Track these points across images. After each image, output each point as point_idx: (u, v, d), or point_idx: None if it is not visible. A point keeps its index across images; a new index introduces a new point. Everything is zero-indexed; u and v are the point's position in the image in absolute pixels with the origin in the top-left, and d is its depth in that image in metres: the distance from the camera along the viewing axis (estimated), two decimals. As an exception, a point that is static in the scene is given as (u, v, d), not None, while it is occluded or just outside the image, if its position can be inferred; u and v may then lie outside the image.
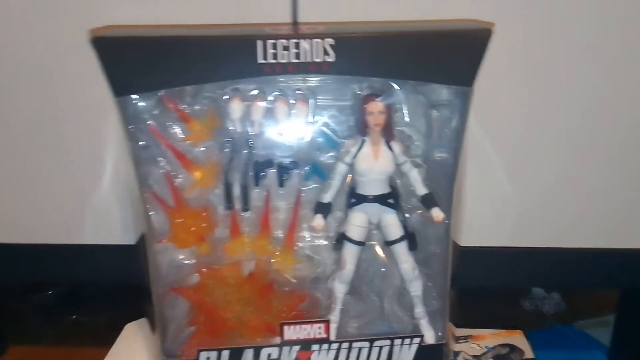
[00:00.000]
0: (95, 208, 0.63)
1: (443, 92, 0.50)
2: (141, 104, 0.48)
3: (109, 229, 0.63)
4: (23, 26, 0.56)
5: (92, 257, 0.65)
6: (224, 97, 0.48)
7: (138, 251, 0.53)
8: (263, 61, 0.44)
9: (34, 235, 0.65)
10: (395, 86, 0.49)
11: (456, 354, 0.63)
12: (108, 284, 0.81)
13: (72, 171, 0.61)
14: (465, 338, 0.66)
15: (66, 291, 0.88)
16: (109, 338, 0.65)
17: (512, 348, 0.64)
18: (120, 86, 0.45)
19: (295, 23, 0.54)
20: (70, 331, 0.82)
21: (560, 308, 0.85)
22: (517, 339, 0.66)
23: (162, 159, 0.49)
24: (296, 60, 0.44)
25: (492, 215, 0.62)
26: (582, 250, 0.63)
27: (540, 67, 0.56)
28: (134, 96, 0.47)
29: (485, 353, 0.63)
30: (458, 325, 0.67)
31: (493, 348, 0.64)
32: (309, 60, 0.44)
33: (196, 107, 0.49)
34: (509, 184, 0.60)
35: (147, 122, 0.48)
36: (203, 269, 0.52)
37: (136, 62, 0.45)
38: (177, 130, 0.49)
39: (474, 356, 0.63)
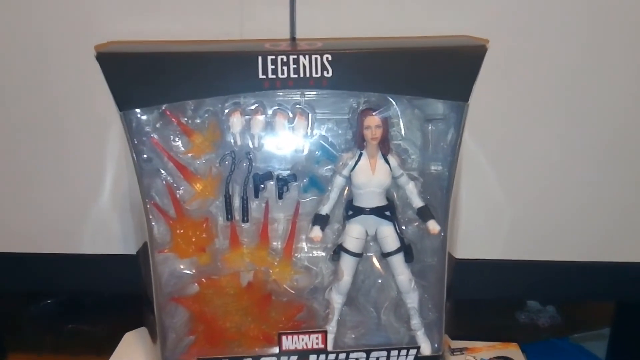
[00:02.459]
0: (94, 218, 0.63)
1: (439, 107, 0.52)
2: (144, 117, 0.49)
3: (108, 239, 0.64)
4: (28, 40, 0.57)
5: (90, 266, 0.66)
6: (225, 111, 0.49)
7: (139, 261, 0.54)
8: (263, 76, 0.45)
9: (34, 245, 0.65)
10: (392, 101, 0.50)
11: (452, 365, 0.63)
12: (107, 293, 0.81)
13: (72, 182, 0.62)
14: (461, 350, 0.66)
15: (65, 300, 0.88)
16: (107, 347, 0.65)
17: (508, 360, 0.64)
18: (125, 100, 0.46)
19: (293, 39, 0.56)
20: (69, 340, 0.82)
21: (555, 321, 0.86)
22: (513, 351, 0.66)
23: (164, 171, 0.50)
24: (295, 76, 0.46)
25: (487, 228, 0.63)
26: (577, 263, 0.64)
27: (534, 82, 0.57)
28: (137, 110, 0.48)
29: (481, 365, 0.64)
30: (453, 338, 0.67)
31: (489, 360, 0.65)
32: (307, 75, 0.46)
33: (197, 121, 0.50)
34: (503, 197, 0.61)
35: (150, 135, 0.49)
36: (202, 279, 0.53)
37: (140, 77, 0.46)
38: (179, 143, 0.50)
39: (470, 368, 0.63)
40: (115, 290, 0.70)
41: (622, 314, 0.73)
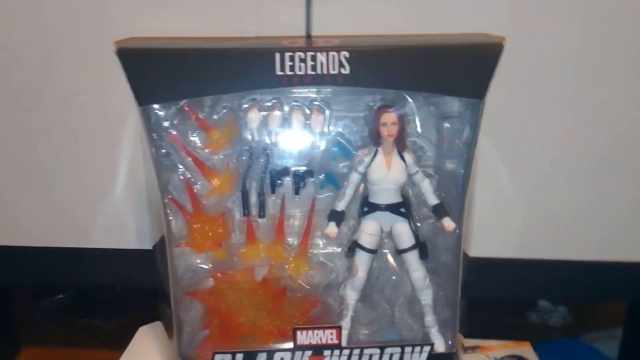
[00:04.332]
0: (108, 213, 0.64)
1: (454, 104, 0.52)
2: (162, 113, 0.49)
3: (122, 233, 0.65)
4: (46, 35, 0.58)
5: (104, 261, 0.66)
6: (242, 107, 0.50)
7: (155, 255, 0.55)
8: (281, 73, 0.46)
9: (48, 239, 0.66)
10: (408, 98, 0.50)
11: (465, 363, 0.63)
12: (120, 288, 0.82)
13: (87, 176, 0.63)
14: (473, 348, 0.67)
15: (79, 295, 0.89)
16: (120, 341, 0.66)
17: (520, 359, 0.64)
18: (144, 96, 0.47)
19: (309, 36, 0.56)
20: (82, 334, 0.83)
21: (566, 321, 0.85)
22: (525, 350, 0.66)
23: (182, 166, 0.51)
24: (312, 72, 0.46)
25: (500, 227, 0.63)
26: (590, 263, 0.64)
27: (550, 81, 0.57)
28: (156, 106, 0.49)
29: (493, 363, 0.64)
30: (465, 336, 0.67)
31: (501, 359, 0.65)
32: (324, 72, 0.46)
33: (215, 117, 0.50)
34: (516, 195, 0.61)
35: (169, 131, 0.50)
36: (218, 274, 0.53)
37: (159, 73, 0.46)
38: (197, 138, 0.51)
39: (482, 366, 0.63)
40: (129, 284, 0.70)
41: (634, 314, 0.72)
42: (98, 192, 0.63)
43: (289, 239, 0.53)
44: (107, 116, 0.59)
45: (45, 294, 0.89)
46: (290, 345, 0.52)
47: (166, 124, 0.49)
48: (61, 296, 0.89)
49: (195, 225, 0.51)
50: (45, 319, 0.86)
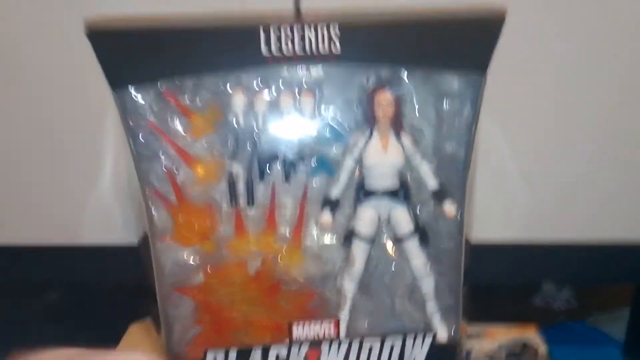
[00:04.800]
0: (95, 207, 0.61)
1: (454, 83, 0.49)
2: (140, 98, 0.46)
3: (110, 228, 0.62)
4: (18, 16, 0.54)
5: (93, 258, 0.64)
6: (226, 90, 0.46)
7: (141, 250, 0.52)
8: (266, 51, 0.43)
9: (33, 236, 0.63)
10: (405, 76, 0.47)
11: (468, 351, 0.61)
12: (111, 285, 0.80)
13: (70, 169, 0.60)
14: (477, 334, 0.65)
15: (68, 293, 0.86)
16: (112, 340, 0.64)
17: (526, 345, 0.62)
18: (118, 79, 0.44)
19: (298, 11, 0.53)
20: (73, 333, 0.81)
21: (571, 304, 0.84)
22: (531, 334, 0.65)
23: (163, 155, 0.48)
24: (301, 50, 0.43)
25: (502, 210, 0.60)
26: (596, 245, 0.62)
27: (556, 54, 0.54)
28: (133, 91, 0.46)
29: (498, 351, 0.62)
30: (468, 322, 0.65)
31: (506, 345, 0.63)
32: (314, 49, 0.43)
33: (197, 101, 0.47)
34: (520, 176, 0.58)
35: (147, 117, 0.46)
36: (208, 269, 0.51)
37: (134, 54, 0.43)
38: (178, 124, 0.47)
39: (487, 354, 0.61)
40: (119, 282, 0.68)
41: (642, 296, 0.71)
42: (84, 185, 0.60)
43: (281, 230, 0.50)
44: (89, 103, 0.56)
45: (35, 294, 0.86)
46: (286, 339, 0.50)
47: (144, 109, 0.46)
48: (51, 295, 0.86)
49: (180, 218, 0.48)
50: (36, 318, 0.84)
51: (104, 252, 0.63)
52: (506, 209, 0.60)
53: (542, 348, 0.62)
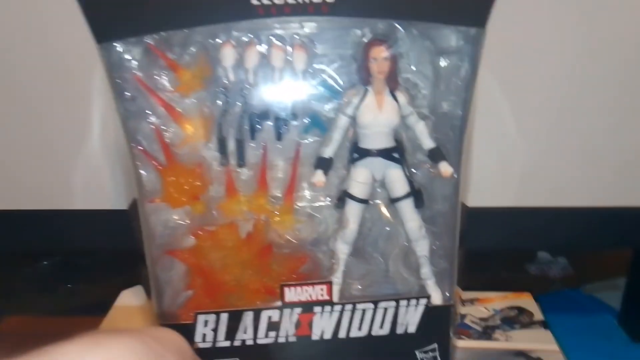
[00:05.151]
0: (84, 171, 0.60)
1: (452, 38, 0.47)
2: (126, 52, 0.44)
3: (101, 192, 0.61)
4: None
5: (83, 223, 0.63)
6: (215, 43, 0.45)
7: (130, 213, 0.51)
8: (256, 2, 0.41)
9: (22, 202, 0.62)
10: (401, 30, 0.45)
11: (463, 316, 0.61)
12: (102, 251, 0.79)
13: (58, 132, 0.58)
14: (472, 301, 0.64)
15: (60, 261, 0.85)
16: (104, 306, 0.63)
17: (521, 310, 0.62)
18: (102, 32, 0.42)
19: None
20: (66, 300, 0.80)
21: (567, 272, 0.83)
22: (526, 301, 0.64)
23: (150, 112, 0.46)
24: (293, 1, 0.41)
25: (499, 173, 0.59)
26: (592, 209, 0.61)
27: (560, 7, 0.52)
28: (118, 45, 0.44)
29: (492, 316, 0.62)
30: (463, 289, 0.64)
31: (501, 310, 0.62)
32: (307, 0, 0.41)
33: (185, 56, 0.45)
34: (518, 138, 0.57)
35: (133, 72, 0.44)
36: (199, 231, 0.49)
37: (119, 6, 0.41)
38: (166, 80, 0.46)
39: (481, 319, 0.61)
40: (111, 247, 0.67)
41: (638, 262, 0.70)
42: (71, 149, 0.59)
43: (273, 191, 0.49)
44: (74, 59, 0.54)
45: (26, 262, 0.85)
46: (278, 303, 0.49)
47: (131, 64, 0.44)
48: (44, 263, 0.85)
49: (169, 178, 0.47)
50: (28, 287, 0.83)
51: (94, 217, 0.62)
52: (505, 173, 0.59)
53: (538, 314, 0.61)
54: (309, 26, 0.46)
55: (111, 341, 0.19)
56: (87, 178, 0.60)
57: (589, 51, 0.54)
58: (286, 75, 0.46)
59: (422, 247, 0.50)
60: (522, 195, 0.61)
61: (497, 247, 0.68)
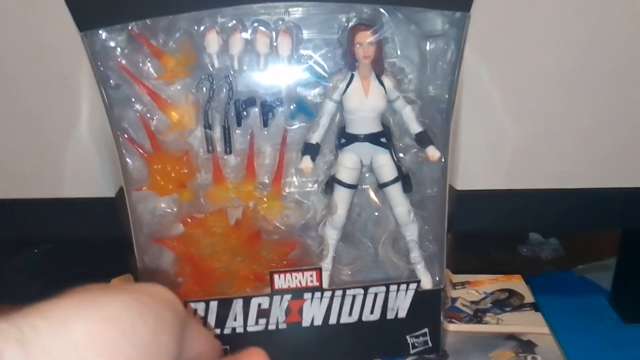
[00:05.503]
0: (72, 160, 0.59)
1: (438, 22, 0.47)
2: (110, 39, 0.44)
3: (90, 181, 0.60)
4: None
5: (72, 211, 0.62)
6: (199, 30, 0.44)
7: (118, 202, 0.51)
8: (240, -13, 0.40)
9: (10, 191, 0.62)
10: (386, 14, 0.45)
11: (454, 300, 0.61)
12: (91, 239, 0.79)
13: (46, 120, 0.57)
14: (463, 284, 0.65)
15: (50, 249, 0.85)
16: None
17: (512, 293, 0.62)
18: (85, 20, 0.41)
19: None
20: (55, 290, 0.80)
21: (558, 254, 0.84)
22: (516, 283, 0.64)
23: (135, 100, 0.46)
24: (277, -15, 0.41)
25: (488, 156, 0.59)
26: (582, 191, 0.61)
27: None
28: (102, 32, 0.43)
29: (483, 299, 0.62)
30: (454, 272, 0.65)
31: (492, 293, 0.63)
32: (290, -15, 0.41)
33: (170, 42, 0.45)
34: (507, 120, 0.57)
35: (118, 60, 0.44)
36: (187, 219, 0.49)
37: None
38: (151, 68, 0.45)
39: (472, 302, 0.61)
40: (100, 236, 0.66)
41: (628, 243, 0.70)
42: (58, 137, 0.58)
43: (261, 177, 0.49)
44: (61, 47, 0.53)
45: (16, 251, 0.85)
46: (267, 290, 0.49)
47: (115, 52, 0.44)
48: (34, 251, 0.85)
49: (155, 166, 0.47)
50: (16, 276, 0.83)
51: (83, 206, 0.61)
52: (493, 156, 0.59)
53: (528, 296, 0.61)
54: (295, 11, 0.45)
55: (105, 298, 0.19)
56: (76, 166, 0.60)
57: (577, 33, 0.53)
58: (272, 61, 0.45)
59: (411, 232, 0.51)
60: (512, 178, 0.61)
61: (488, 230, 0.68)
